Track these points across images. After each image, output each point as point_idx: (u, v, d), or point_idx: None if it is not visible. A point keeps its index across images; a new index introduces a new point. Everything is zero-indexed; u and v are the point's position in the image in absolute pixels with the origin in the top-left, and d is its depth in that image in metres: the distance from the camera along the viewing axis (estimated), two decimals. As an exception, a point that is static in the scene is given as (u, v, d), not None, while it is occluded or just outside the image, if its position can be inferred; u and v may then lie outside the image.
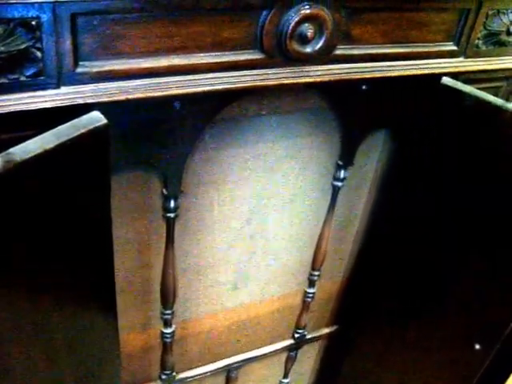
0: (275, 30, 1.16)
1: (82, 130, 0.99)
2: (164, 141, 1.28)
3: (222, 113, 1.30)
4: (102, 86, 1.06)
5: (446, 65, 1.45)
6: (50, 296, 1.13)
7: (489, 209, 1.46)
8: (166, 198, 1.41)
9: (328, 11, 1.18)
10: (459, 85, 1.45)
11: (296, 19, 1.15)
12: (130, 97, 1.08)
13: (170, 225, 1.47)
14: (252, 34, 1.16)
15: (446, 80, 1.46)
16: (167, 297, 1.65)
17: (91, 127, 1.01)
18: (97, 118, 1.04)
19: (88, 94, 1.05)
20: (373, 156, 1.71)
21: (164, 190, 1.39)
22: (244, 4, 1.09)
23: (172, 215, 1.45)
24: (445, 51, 1.44)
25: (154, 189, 1.41)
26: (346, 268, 2.05)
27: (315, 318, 2.14)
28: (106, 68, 1.05)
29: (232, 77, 1.16)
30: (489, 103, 1.38)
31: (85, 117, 1.03)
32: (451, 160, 1.56)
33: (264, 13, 1.13)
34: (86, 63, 1.03)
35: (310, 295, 2.01)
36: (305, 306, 2.05)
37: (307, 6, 1.15)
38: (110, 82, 1.06)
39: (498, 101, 1.38)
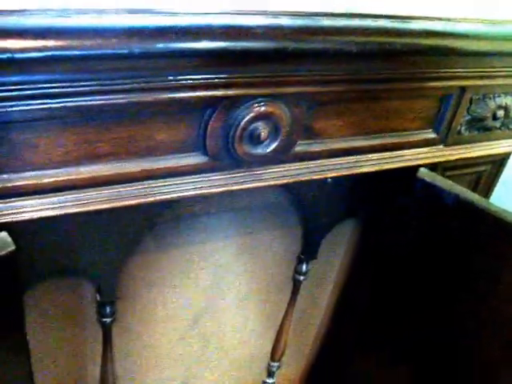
0: (221, 131, 0.97)
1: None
2: (92, 249, 1.09)
3: (161, 215, 1.09)
4: (8, 204, 0.86)
5: (423, 155, 1.28)
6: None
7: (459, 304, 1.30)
8: (101, 304, 1.23)
9: (285, 107, 0.98)
10: (438, 179, 1.27)
11: (246, 119, 0.96)
12: (44, 214, 0.89)
13: (107, 329, 1.30)
14: (193, 135, 0.97)
15: (423, 173, 1.28)
16: (106, 401, 1.43)
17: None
18: (1, 244, 0.87)
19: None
20: (339, 247, 1.53)
21: (97, 296, 1.19)
22: (181, 104, 0.90)
23: (108, 320, 1.28)
24: (423, 139, 1.27)
25: (86, 294, 1.23)
26: (310, 352, 1.85)
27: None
28: (14, 183, 0.85)
29: (170, 185, 0.97)
30: (471, 204, 1.19)
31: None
32: (424, 254, 1.38)
33: (207, 112, 0.94)
34: (-12, 177, 0.82)
35: (269, 385, 1.80)
36: (263, 396, 1.84)
37: (262, 103, 0.97)
38: (19, 198, 0.87)
39: (482, 201, 1.20)
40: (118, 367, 1.43)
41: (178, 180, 0.98)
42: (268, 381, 1.83)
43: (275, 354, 1.73)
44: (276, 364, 1.77)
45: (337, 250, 1.57)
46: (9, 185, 0.84)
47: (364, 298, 1.60)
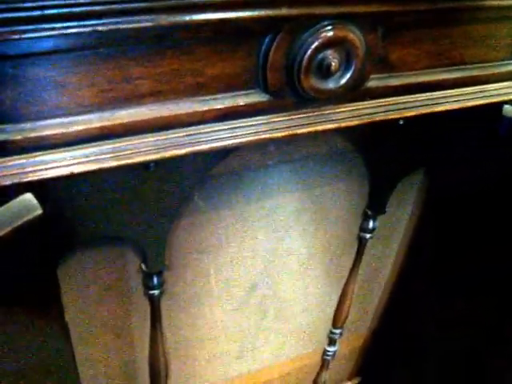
0: (284, 62, 0.81)
1: (4, 231, 0.70)
2: (137, 210, 0.96)
3: (213, 169, 0.94)
4: (33, 158, 0.71)
5: (509, 90, 1.07)
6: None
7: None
8: (147, 275, 1.10)
9: (359, 32, 0.81)
10: (527, 117, 1.08)
11: (313, 46, 0.80)
12: (76, 170, 0.74)
13: (155, 302, 1.17)
14: (251, 68, 0.81)
15: (507, 110, 1.09)
16: (157, 379, 1.34)
17: (18, 223, 0.72)
18: (27, 207, 0.74)
19: (13, 172, 0.70)
20: (407, 199, 1.37)
21: (143, 266, 1.04)
22: (236, 29, 0.74)
23: (156, 292, 1.15)
24: (507, 72, 1.09)
25: (129, 265, 1.11)
26: (372, 319, 1.76)
27: (335, 373, 1.85)
28: (37, 133, 0.70)
29: (225, 129, 0.81)
30: None
31: (12, 205, 0.73)
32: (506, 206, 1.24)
33: (267, 39, 0.78)
34: (8, 127, 0.68)
35: (330, 353, 1.73)
36: (324, 364, 1.77)
37: (329, 27, 0.79)
38: (44, 151, 0.72)
39: None
40: (169, 343, 1.32)
41: (234, 123, 0.83)
42: (329, 349, 1.71)
43: (337, 320, 1.61)
44: (338, 331, 1.64)
45: (405, 204, 1.40)
46: (31, 135, 0.70)
47: (434, 250, 1.48)
